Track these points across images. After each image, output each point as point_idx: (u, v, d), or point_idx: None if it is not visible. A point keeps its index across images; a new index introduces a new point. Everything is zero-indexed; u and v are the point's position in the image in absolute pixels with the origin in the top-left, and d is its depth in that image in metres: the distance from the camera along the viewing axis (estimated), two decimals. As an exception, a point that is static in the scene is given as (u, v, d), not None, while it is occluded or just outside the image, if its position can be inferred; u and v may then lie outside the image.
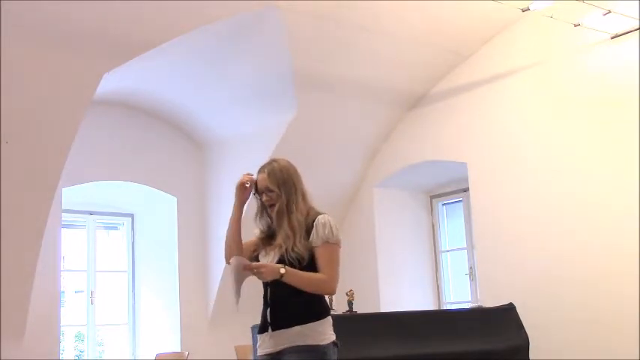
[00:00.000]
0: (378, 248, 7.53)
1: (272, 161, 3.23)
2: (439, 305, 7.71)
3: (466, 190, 7.15)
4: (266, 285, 3.11)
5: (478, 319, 5.93)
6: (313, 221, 3.08)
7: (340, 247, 3.12)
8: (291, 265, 3.02)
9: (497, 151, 6.65)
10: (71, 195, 6.69)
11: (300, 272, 3.01)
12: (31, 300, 5.80)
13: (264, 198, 3.18)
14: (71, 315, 7.91)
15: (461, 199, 7.60)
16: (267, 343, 3.06)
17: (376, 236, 7.56)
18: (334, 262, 3.07)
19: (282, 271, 2.97)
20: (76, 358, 8.50)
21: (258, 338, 3.14)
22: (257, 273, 2.98)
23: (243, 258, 3.06)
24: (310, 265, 3.05)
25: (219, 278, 7.31)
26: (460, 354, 5.42)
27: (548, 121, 6.31)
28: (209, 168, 7.67)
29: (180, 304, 7.37)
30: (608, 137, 5.93)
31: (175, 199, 7.53)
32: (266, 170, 3.19)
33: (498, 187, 6.62)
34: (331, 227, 3.08)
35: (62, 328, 6.85)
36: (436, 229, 7.87)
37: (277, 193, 3.13)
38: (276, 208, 3.14)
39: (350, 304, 6.05)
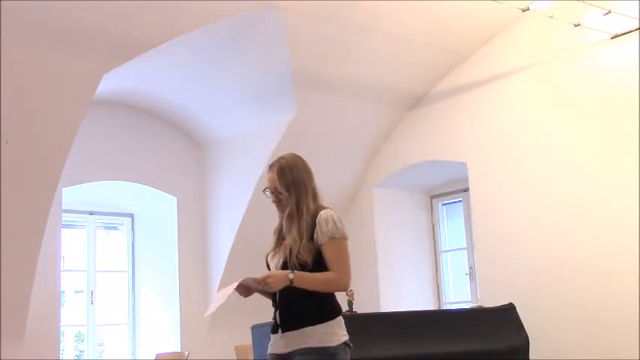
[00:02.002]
0: (378, 248, 7.53)
1: (280, 159, 3.14)
2: (439, 305, 7.70)
3: (466, 190, 7.15)
4: None
5: (478, 319, 5.92)
6: (316, 218, 3.00)
7: (347, 239, 3.02)
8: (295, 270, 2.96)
9: (497, 151, 6.64)
10: (71, 195, 6.69)
11: (310, 275, 2.94)
12: (31, 300, 5.79)
13: (272, 198, 3.12)
14: (71, 315, 7.90)
15: (461, 199, 7.60)
16: (278, 343, 3.03)
17: (376, 236, 7.56)
18: (343, 257, 2.99)
19: (291, 276, 2.90)
20: (76, 358, 8.50)
21: (271, 337, 3.09)
22: (264, 284, 2.92)
23: (248, 278, 3.00)
24: (315, 267, 2.97)
25: (219, 278, 7.31)
26: (460, 354, 5.42)
27: (548, 121, 6.31)
28: (209, 168, 7.67)
29: (180, 304, 7.37)
30: (608, 137, 5.93)
31: (175, 199, 7.52)
32: (275, 169, 3.10)
33: (498, 187, 6.62)
34: (334, 222, 2.99)
35: (62, 328, 6.85)
36: (436, 229, 7.87)
37: (286, 195, 3.06)
38: (286, 212, 3.07)
39: (350, 304, 6.04)
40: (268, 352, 3.10)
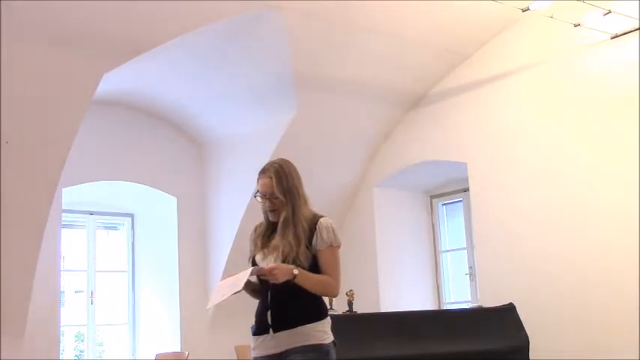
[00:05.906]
0: (378, 248, 7.52)
1: (274, 163, 3.16)
2: (439, 305, 7.70)
3: (466, 190, 7.15)
4: (266, 287, 3.07)
5: (478, 319, 5.92)
6: (315, 225, 3.07)
7: (339, 248, 3.13)
8: None
9: (497, 151, 6.65)
10: (71, 195, 6.69)
11: (311, 274, 3.02)
12: (31, 300, 5.80)
13: (267, 204, 3.13)
14: (71, 315, 7.90)
15: (461, 199, 7.60)
16: (268, 344, 3.04)
17: (376, 236, 7.55)
18: (337, 264, 3.10)
19: (296, 272, 2.96)
20: (76, 358, 8.50)
21: (253, 339, 3.11)
22: (270, 275, 2.94)
23: (254, 267, 3.03)
24: (309, 271, 3.04)
25: (219, 278, 7.30)
26: (460, 354, 5.42)
27: (548, 121, 6.31)
28: (209, 168, 7.67)
29: (180, 304, 7.37)
30: (608, 137, 5.93)
31: (175, 199, 7.53)
32: (272, 175, 3.11)
33: (498, 187, 6.62)
34: (334, 231, 3.09)
35: (62, 328, 6.85)
36: (436, 229, 7.87)
37: (282, 200, 3.09)
38: (282, 218, 3.09)
39: (350, 304, 6.05)
40: (254, 355, 3.10)
